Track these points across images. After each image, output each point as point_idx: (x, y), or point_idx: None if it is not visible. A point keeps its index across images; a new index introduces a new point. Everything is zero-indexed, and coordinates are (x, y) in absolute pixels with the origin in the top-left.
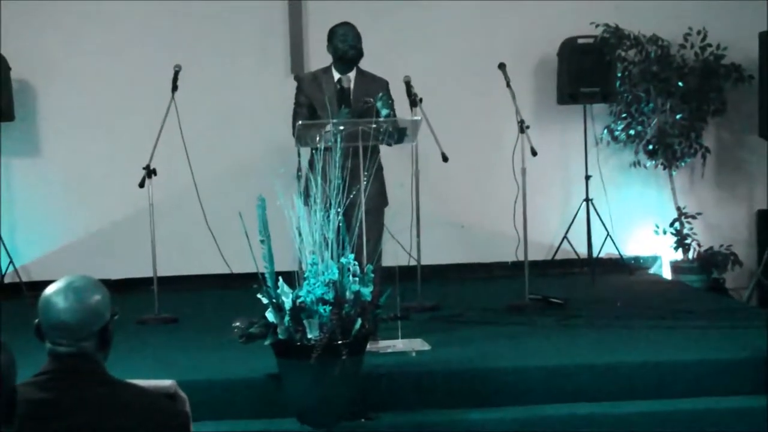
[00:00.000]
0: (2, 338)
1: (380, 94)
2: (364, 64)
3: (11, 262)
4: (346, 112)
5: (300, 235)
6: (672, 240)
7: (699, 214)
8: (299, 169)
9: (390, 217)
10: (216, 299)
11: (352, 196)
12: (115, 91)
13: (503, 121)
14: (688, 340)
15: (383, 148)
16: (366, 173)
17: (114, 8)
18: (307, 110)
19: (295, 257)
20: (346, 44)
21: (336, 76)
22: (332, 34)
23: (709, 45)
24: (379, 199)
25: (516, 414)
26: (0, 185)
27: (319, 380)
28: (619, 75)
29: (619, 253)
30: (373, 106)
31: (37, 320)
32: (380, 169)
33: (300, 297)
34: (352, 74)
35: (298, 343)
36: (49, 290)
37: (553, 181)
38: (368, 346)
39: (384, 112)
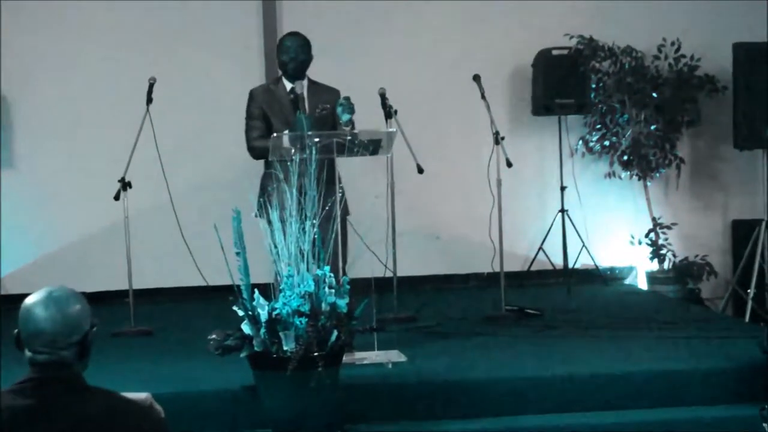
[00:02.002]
0: None
1: (340, 100)
2: (339, 73)
3: None
4: (303, 117)
5: (275, 247)
6: (647, 250)
7: (674, 224)
8: None
9: (366, 229)
10: (192, 312)
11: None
12: (89, 103)
13: (478, 133)
14: (665, 350)
15: (358, 159)
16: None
17: (88, 20)
18: (262, 122)
19: (271, 269)
20: (287, 56)
21: (288, 85)
22: (280, 43)
23: (683, 56)
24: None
25: (493, 425)
26: None
27: (296, 392)
28: (594, 86)
29: (595, 264)
30: (330, 113)
31: (16, 330)
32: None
33: (276, 309)
34: (303, 82)
35: (274, 355)
36: (30, 300)
37: (529, 192)
38: (344, 358)
39: (345, 117)
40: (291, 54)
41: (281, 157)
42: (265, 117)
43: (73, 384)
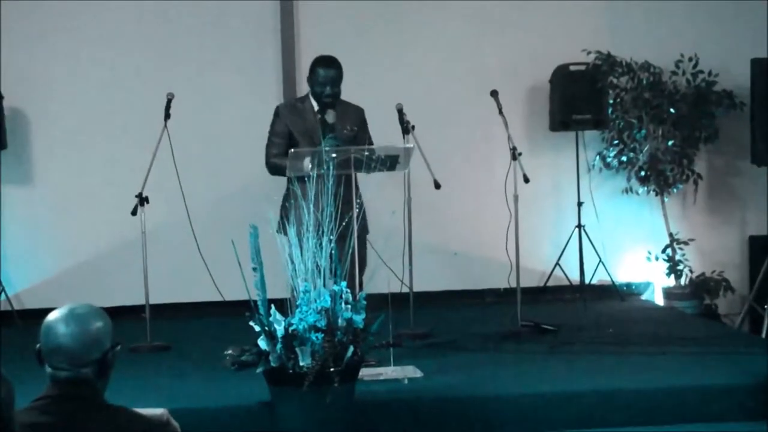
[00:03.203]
0: (2, 370)
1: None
2: (356, 89)
3: (3, 290)
4: (331, 137)
5: (292, 262)
6: (664, 266)
7: (691, 240)
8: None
9: (382, 244)
10: (208, 327)
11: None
12: (107, 118)
13: (495, 148)
14: (683, 366)
15: (378, 175)
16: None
17: (104, 34)
18: (284, 140)
19: (287, 285)
20: (322, 89)
21: (314, 105)
22: (314, 70)
23: (701, 71)
24: (360, 229)
25: None
26: None
27: (312, 408)
28: (611, 102)
29: (612, 280)
30: (356, 134)
31: (38, 345)
32: (359, 197)
33: (292, 324)
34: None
35: (291, 371)
36: (52, 316)
37: (546, 208)
38: (360, 374)
39: None
40: (327, 90)
41: (299, 172)
42: (289, 135)
43: (91, 401)
